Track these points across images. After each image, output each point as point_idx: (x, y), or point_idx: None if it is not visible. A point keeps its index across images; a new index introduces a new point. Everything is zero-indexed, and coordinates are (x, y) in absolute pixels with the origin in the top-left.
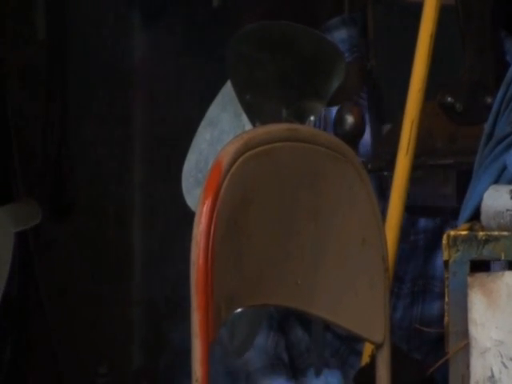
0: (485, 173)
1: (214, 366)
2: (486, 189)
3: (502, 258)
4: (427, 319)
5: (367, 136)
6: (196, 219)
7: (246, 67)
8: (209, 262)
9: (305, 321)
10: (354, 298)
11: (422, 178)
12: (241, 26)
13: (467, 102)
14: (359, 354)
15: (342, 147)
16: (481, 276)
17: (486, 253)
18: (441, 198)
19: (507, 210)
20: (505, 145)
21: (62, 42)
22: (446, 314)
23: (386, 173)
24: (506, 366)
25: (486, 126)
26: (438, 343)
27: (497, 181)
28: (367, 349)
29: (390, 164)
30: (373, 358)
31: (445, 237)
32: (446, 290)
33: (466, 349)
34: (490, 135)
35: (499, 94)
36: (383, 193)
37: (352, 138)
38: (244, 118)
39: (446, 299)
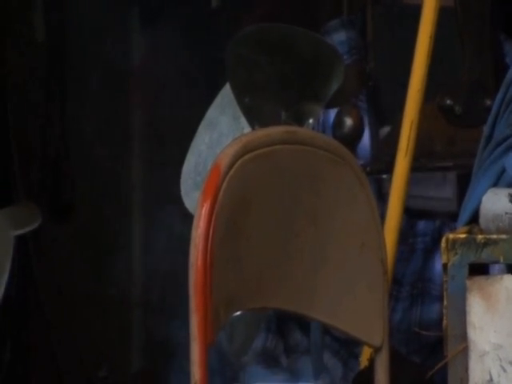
0: (484, 175)
1: (212, 368)
2: (484, 192)
3: (501, 261)
4: (426, 322)
5: (366, 138)
6: (195, 222)
7: (244, 70)
8: (207, 265)
9: (303, 324)
10: (352, 301)
11: (421, 180)
12: (240, 28)
13: (466, 105)
14: (358, 357)
15: (341, 150)
16: (479, 279)
17: (484, 256)
18: (440, 200)
19: (506, 213)
20: (504, 147)
21: (61, 44)
22: (444, 317)
23: (384, 175)
24: (504, 370)
25: (485, 129)
26: (437, 346)
27: (496, 184)
28: (366, 352)
29: (389, 166)
30: (372, 361)
31: (443, 240)
32: (445, 294)
33: (464, 352)
34: (489, 138)
35: (498, 96)
36: (382, 195)
37: (351, 140)
38: (243, 120)
39: (445, 302)
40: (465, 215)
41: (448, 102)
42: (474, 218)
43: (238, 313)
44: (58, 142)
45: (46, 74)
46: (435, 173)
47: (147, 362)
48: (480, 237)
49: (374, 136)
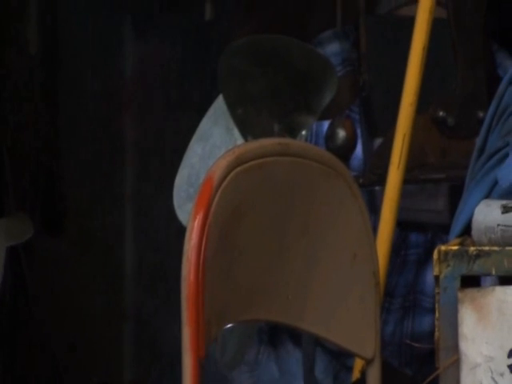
0: (476, 187)
1: (206, 379)
2: (477, 203)
3: (493, 273)
4: (418, 334)
5: (359, 150)
6: (187, 234)
7: (237, 81)
8: (200, 278)
9: (295, 336)
10: (344, 313)
11: (413, 192)
12: (233, 39)
13: (459, 117)
14: (350, 369)
15: (334, 162)
16: (471, 291)
17: (476, 268)
18: (432, 212)
19: (498, 225)
20: (496, 159)
21: (54, 56)
22: (436, 329)
23: (377, 187)
24: (496, 382)
25: (478, 141)
26: (429, 358)
27: (488, 195)
28: (358, 364)
29: (382, 178)
30: (363, 373)
31: (436, 252)
32: (437, 306)
33: (456, 364)
34: (482, 149)
35: (491, 108)
36: (375, 207)
37: (344, 152)
38: (236, 132)
39: (437, 314)
40: (457, 227)
41: (441, 113)
42: (467, 230)
43: (230, 325)
44: (50, 154)
45: (38, 87)
46: (427, 184)
47: (139, 374)
48: (472, 249)
49: (366, 148)
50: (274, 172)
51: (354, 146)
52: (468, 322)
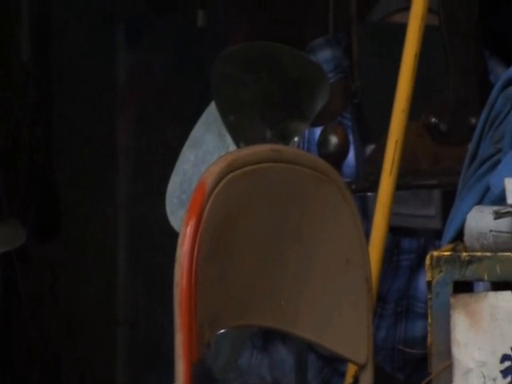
0: (468, 193)
1: None
2: (469, 209)
3: (485, 278)
4: (410, 339)
5: (351, 156)
6: (180, 240)
7: (230, 88)
8: (192, 283)
9: (288, 341)
10: (337, 319)
11: (405, 198)
12: (225, 46)
13: (451, 123)
14: (342, 374)
15: (326, 168)
16: (464, 297)
17: (469, 273)
18: (424, 218)
19: (490, 231)
20: (488, 165)
21: (46, 64)
22: (429, 334)
23: (370, 193)
24: None
25: (470, 147)
26: (421, 364)
27: (480, 201)
28: (350, 369)
29: (374, 184)
30: (356, 378)
31: (428, 257)
32: (429, 311)
33: (448, 369)
34: (474, 156)
35: (483, 115)
36: (367, 213)
37: (336, 158)
38: (228, 138)
39: (429, 320)
40: (449, 233)
41: (433, 119)
42: (459, 236)
43: (223, 330)
44: (43, 161)
45: (31, 94)
46: (420, 190)
47: (132, 378)
48: (464, 254)
49: (359, 154)
50: (266, 178)
51: (346, 153)
52: (460, 327)
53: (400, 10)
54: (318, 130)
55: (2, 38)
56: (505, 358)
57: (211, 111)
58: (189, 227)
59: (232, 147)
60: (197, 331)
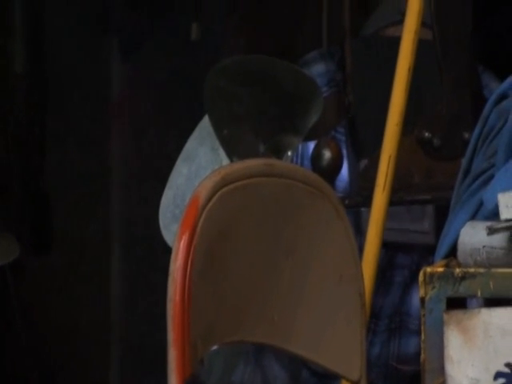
0: (462, 209)
1: None
2: (462, 225)
3: (479, 295)
4: (404, 356)
5: (344, 171)
6: (173, 255)
7: (223, 101)
8: (185, 299)
9: (282, 357)
10: (330, 335)
11: (399, 213)
12: (219, 59)
13: (445, 138)
14: None
15: (319, 183)
16: (457, 313)
17: (462, 290)
18: (418, 233)
19: (484, 247)
20: (481, 181)
21: (41, 75)
22: (422, 351)
23: (363, 208)
24: None
25: (463, 162)
26: (415, 380)
27: (473, 217)
28: None
29: (368, 199)
30: None
31: (421, 273)
32: (422, 328)
33: None
34: (467, 171)
35: (476, 130)
36: (360, 228)
37: (329, 173)
38: (221, 152)
39: (423, 336)
40: (442, 248)
41: (426, 134)
42: (452, 252)
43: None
44: (37, 176)
45: (25, 107)
46: (413, 206)
47: None
48: (458, 270)
49: (352, 169)
50: (259, 193)
51: (339, 167)
52: (454, 344)
53: (393, 23)
54: (311, 145)
55: None
56: (498, 374)
57: (205, 125)
58: (182, 241)
59: (225, 161)
60: (190, 347)
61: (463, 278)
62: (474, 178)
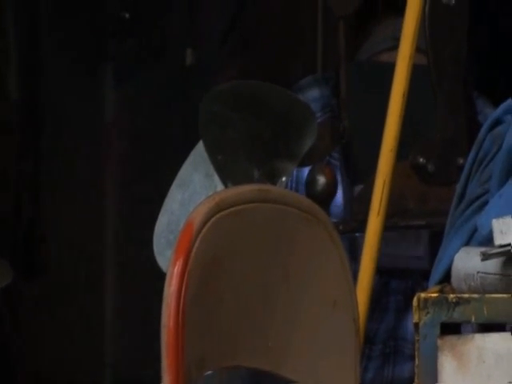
0: (456, 234)
1: None
2: (456, 250)
3: (473, 320)
4: (398, 381)
5: (339, 196)
6: (167, 280)
7: (217, 127)
8: (179, 324)
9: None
10: (324, 360)
11: (393, 238)
12: (213, 85)
13: (439, 163)
14: None
15: (314, 208)
16: (451, 339)
17: (456, 315)
18: (412, 259)
19: (478, 273)
20: (476, 206)
21: (35, 102)
22: (416, 376)
23: (357, 234)
24: None
25: (458, 187)
26: None
27: (468, 243)
28: None
29: (362, 225)
30: None
31: (415, 299)
32: (416, 353)
33: None
34: (462, 196)
35: (471, 155)
36: (355, 254)
37: (324, 198)
38: (216, 178)
39: (417, 362)
40: (437, 274)
41: (421, 160)
42: (446, 277)
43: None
44: (31, 203)
45: (19, 133)
46: (408, 231)
47: None
48: (452, 296)
49: (347, 194)
50: (254, 218)
51: (334, 193)
52: (448, 369)
53: (388, 49)
54: (305, 170)
55: None
56: None
57: (199, 151)
58: (176, 267)
59: (220, 187)
60: (184, 372)
61: (457, 303)
62: (468, 203)
